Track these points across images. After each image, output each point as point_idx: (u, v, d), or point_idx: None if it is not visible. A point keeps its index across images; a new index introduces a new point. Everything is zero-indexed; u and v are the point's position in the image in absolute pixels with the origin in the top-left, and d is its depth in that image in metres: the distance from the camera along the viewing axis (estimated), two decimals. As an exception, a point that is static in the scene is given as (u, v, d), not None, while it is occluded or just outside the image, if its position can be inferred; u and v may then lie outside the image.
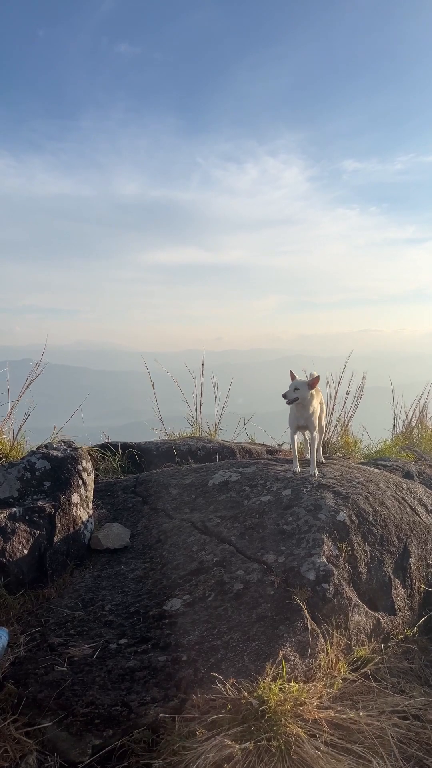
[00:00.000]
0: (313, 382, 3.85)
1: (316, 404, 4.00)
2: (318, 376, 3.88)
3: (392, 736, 2.44)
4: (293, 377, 3.88)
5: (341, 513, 3.51)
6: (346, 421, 9.01)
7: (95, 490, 4.12)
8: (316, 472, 4.02)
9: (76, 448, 3.84)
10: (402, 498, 4.06)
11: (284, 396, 3.82)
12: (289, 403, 3.84)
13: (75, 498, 3.62)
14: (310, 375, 4.07)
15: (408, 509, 3.98)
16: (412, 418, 10.62)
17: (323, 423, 4.48)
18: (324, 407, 4.50)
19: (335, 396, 9.27)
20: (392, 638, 3.32)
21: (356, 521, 3.55)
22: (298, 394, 3.82)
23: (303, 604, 2.98)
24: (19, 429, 4.63)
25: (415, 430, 10.58)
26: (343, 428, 8.79)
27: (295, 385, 3.84)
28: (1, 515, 3.27)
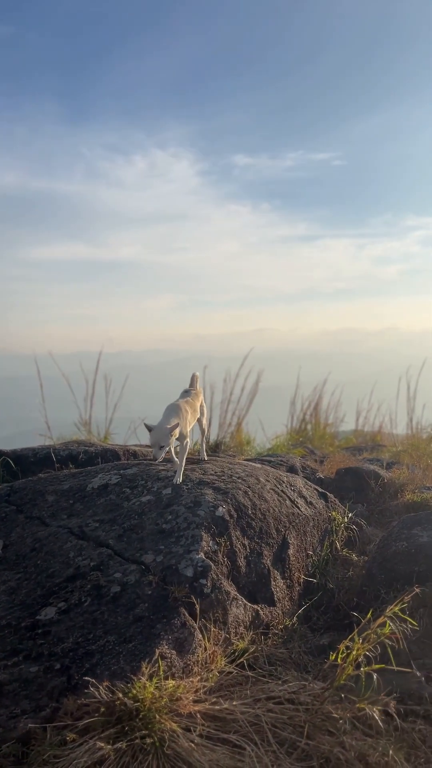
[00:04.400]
0: (172, 427, 3.59)
1: (189, 418, 3.97)
2: (177, 424, 3.63)
3: (266, 722, 2.47)
4: (150, 429, 3.60)
5: (220, 508, 3.54)
6: (239, 420, 9.16)
7: (-34, 501, 3.89)
8: (180, 479, 3.87)
9: None
10: (282, 491, 4.17)
11: (155, 458, 3.66)
12: (161, 458, 3.67)
13: None
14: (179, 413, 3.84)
15: (287, 502, 4.09)
16: (305, 414, 11.00)
17: (204, 424, 4.49)
18: (204, 409, 4.45)
19: (230, 395, 9.39)
20: (272, 629, 3.38)
21: (235, 515, 3.60)
22: (164, 443, 3.58)
23: (180, 601, 2.97)
24: None
25: (309, 426, 10.98)
26: (237, 427, 8.93)
27: (158, 442, 3.57)
28: None
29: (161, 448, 3.57)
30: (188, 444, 3.96)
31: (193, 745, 2.29)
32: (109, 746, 2.20)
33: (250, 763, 2.31)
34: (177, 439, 3.79)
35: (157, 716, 2.33)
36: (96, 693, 2.42)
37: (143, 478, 3.97)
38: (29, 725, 2.34)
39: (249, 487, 3.90)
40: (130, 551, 3.31)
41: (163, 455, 3.61)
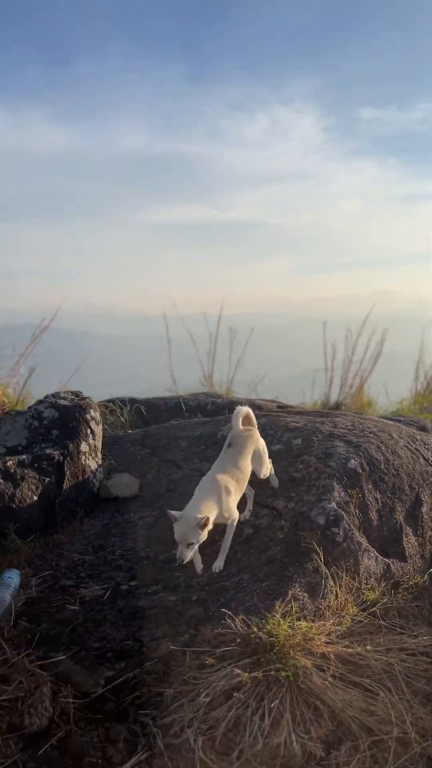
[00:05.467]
0: (203, 518, 2.71)
1: (235, 491, 3.00)
2: (207, 517, 2.72)
3: (399, 671, 2.46)
4: (174, 518, 2.76)
5: (352, 461, 3.50)
6: (362, 382, 8.99)
7: (103, 444, 4.12)
8: (222, 565, 2.98)
9: (83, 398, 3.84)
10: (415, 449, 4.03)
11: (179, 559, 2.71)
12: (189, 557, 2.74)
13: (83, 446, 3.63)
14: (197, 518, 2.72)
15: (421, 459, 3.96)
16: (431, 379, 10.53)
17: (265, 474, 3.30)
18: (264, 453, 3.28)
19: (352, 355, 9.20)
20: (402, 584, 3.32)
21: (367, 469, 3.53)
22: (193, 539, 2.71)
23: (313, 547, 2.98)
24: (25, 383, 4.64)
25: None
26: (358, 389, 8.78)
27: (185, 538, 2.70)
28: (10, 462, 3.28)
29: (189, 545, 2.71)
30: (236, 521, 3.04)
31: (326, 683, 2.33)
32: (246, 674, 2.28)
33: (383, 708, 2.31)
34: (217, 520, 2.90)
35: (291, 652, 2.38)
36: (232, 625, 2.51)
37: (272, 428, 3.99)
38: (170, 647, 2.49)
39: (382, 442, 3.80)
40: (261, 496, 3.37)
41: (190, 555, 2.73)
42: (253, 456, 3.18)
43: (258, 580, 2.84)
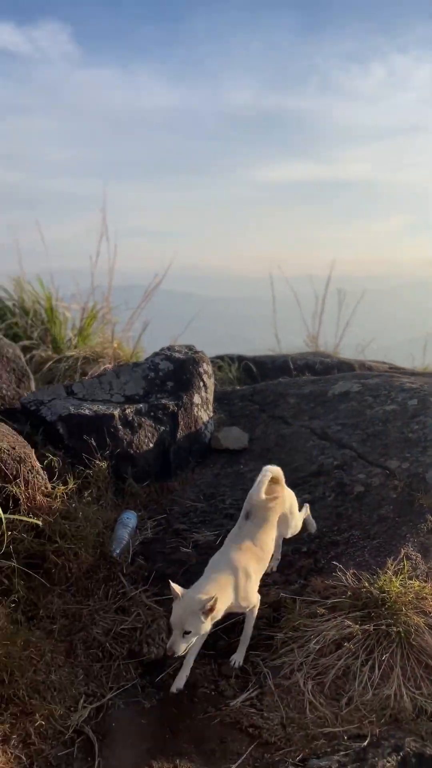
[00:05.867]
0: (208, 601, 2.12)
1: (253, 573, 2.40)
2: (215, 599, 2.13)
3: None
4: (176, 596, 2.17)
5: (471, 424, 3.36)
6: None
7: (213, 398, 4.20)
8: (241, 660, 2.40)
9: (197, 351, 3.92)
10: None
11: (170, 651, 2.11)
12: (183, 651, 2.15)
13: (196, 398, 3.72)
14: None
15: None
16: None
17: (293, 530, 2.71)
18: (291, 517, 2.67)
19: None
20: None
21: None
22: (191, 627, 2.12)
23: (427, 508, 2.91)
24: (139, 337, 4.79)
25: None
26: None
27: (181, 623, 2.11)
28: (129, 409, 3.43)
29: (185, 634, 2.12)
30: (255, 612, 2.43)
31: (439, 642, 2.29)
32: (357, 626, 2.30)
33: None
34: (231, 609, 2.33)
35: (403, 609, 2.36)
36: (343, 578, 2.52)
37: (386, 389, 3.90)
38: (281, 594, 2.54)
39: None
40: (373, 455, 3.32)
41: (185, 648, 2.13)
42: (280, 518, 2.59)
43: (369, 537, 2.82)
